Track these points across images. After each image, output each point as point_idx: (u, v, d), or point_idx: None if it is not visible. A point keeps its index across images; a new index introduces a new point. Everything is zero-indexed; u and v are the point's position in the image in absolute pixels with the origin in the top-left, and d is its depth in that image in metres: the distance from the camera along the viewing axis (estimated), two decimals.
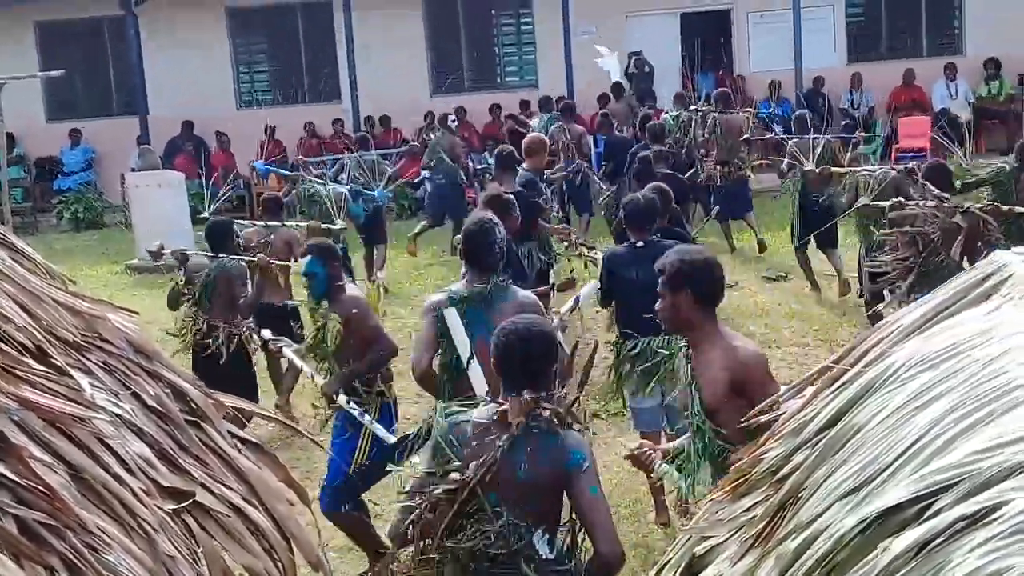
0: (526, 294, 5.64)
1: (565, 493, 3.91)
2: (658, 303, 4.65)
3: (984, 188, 9.08)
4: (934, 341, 2.58)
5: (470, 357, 4.43)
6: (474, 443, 3.90)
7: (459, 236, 6.09)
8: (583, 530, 3.93)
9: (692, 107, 14.31)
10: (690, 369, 4.59)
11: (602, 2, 19.74)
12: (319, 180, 11.81)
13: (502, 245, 5.59)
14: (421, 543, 3.96)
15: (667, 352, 6.56)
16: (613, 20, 19.97)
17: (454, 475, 3.85)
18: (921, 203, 7.86)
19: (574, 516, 3.95)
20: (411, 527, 3.96)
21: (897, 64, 19.49)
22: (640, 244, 6.69)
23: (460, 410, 4.07)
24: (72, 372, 2.91)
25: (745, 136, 13.53)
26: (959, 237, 7.38)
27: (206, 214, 9.29)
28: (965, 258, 7.30)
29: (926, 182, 8.11)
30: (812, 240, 11.29)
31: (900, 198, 8.19)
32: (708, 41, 20.32)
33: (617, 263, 6.77)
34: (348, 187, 12.24)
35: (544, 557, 3.86)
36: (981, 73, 19.17)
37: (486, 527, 3.81)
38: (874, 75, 19.28)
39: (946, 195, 7.88)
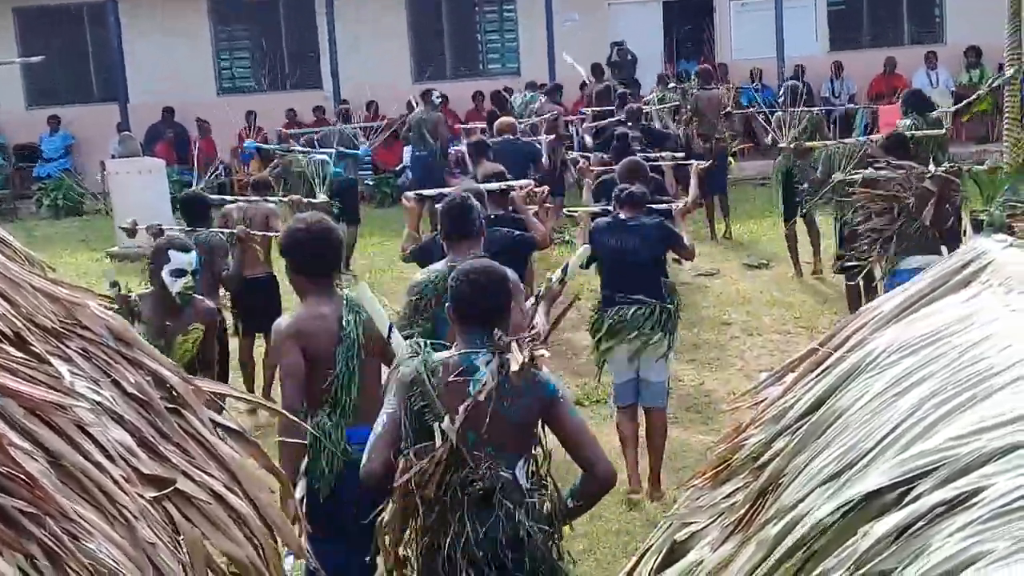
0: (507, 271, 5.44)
1: (545, 424, 4.00)
2: None
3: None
4: (915, 327, 2.59)
5: (390, 327, 4.35)
6: (445, 387, 3.92)
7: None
8: (573, 453, 4.02)
9: (672, 84, 14.51)
10: None
11: None
12: (304, 150, 11.77)
13: (481, 220, 5.61)
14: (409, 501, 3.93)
15: (645, 318, 6.72)
16: (596, 8, 19.97)
17: (446, 425, 3.84)
18: (889, 171, 7.98)
19: (542, 448, 4.04)
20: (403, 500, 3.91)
21: (878, 52, 19.54)
22: (622, 216, 7.01)
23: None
24: (51, 359, 2.89)
25: (727, 109, 13.67)
26: (931, 201, 7.51)
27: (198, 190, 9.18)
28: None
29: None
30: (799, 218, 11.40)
31: (871, 168, 8.35)
32: (690, 29, 20.35)
33: (601, 232, 7.08)
34: (330, 151, 12.20)
35: (524, 488, 3.94)
36: (961, 61, 19.23)
37: (472, 472, 3.83)
38: (855, 63, 19.33)
39: (911, 163, 8.03)
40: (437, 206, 7.42)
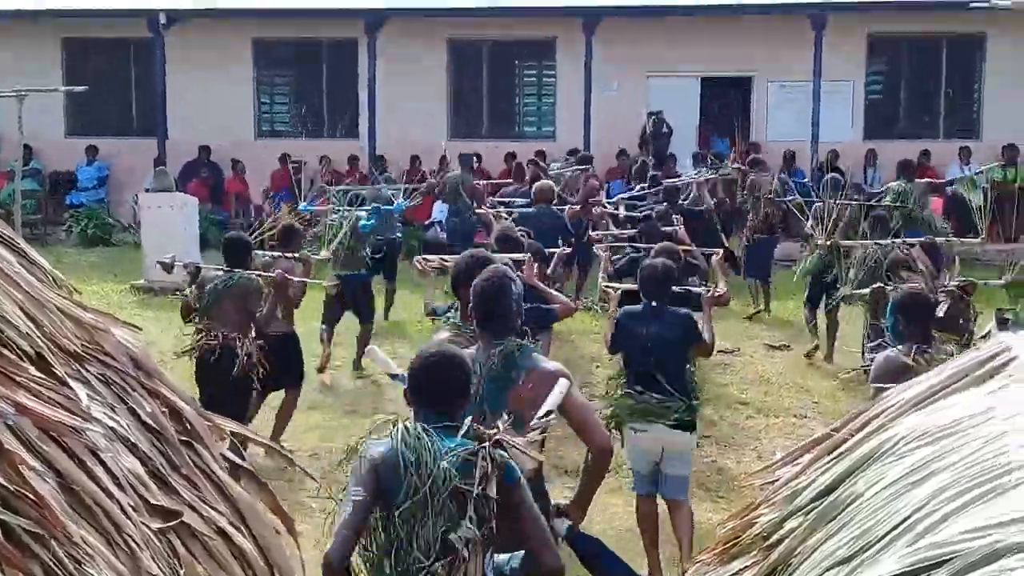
0: (549, 363, 4.75)
1: (501, 507, 3.79)
2: None
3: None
4: (935, 417, 2.57)
5: (402, 377, 4.27)
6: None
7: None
8: (524, 541, 3.87)
9: (733, 166, 14.73)
10: None
11: (624, 60, 19.90)
12: (343, 208, 11.85)
13: (520, 303, 4.76)
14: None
15: (665, 409, 6.65)
16: (635, 79, 20.13)
17: (455, 537, 3.76)
18: (908, 284, 8.04)
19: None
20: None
21: (912, 144, 19.59)
22: (653, 304, 6.95)
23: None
24: (70, 382, 2.91)
25: (770, 196, 13.80)
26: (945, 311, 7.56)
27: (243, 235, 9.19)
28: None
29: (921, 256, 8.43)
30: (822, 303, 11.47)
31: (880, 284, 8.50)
32: (727, 106, 20.47)
33: (630, 318, 7.05)
34: (368, 208, 12.34)
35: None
36: (997, 158, 19.26)
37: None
38: (889, 153, 19.37)
39: (935, 270, 8.10)
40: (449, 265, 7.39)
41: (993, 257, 15.62)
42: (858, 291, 8.85)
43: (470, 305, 4.88)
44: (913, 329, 6.00)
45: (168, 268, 8.60)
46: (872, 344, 8.29)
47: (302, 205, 14.49)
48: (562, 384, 4.38)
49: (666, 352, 6.84)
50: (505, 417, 4.01)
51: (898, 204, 12.26)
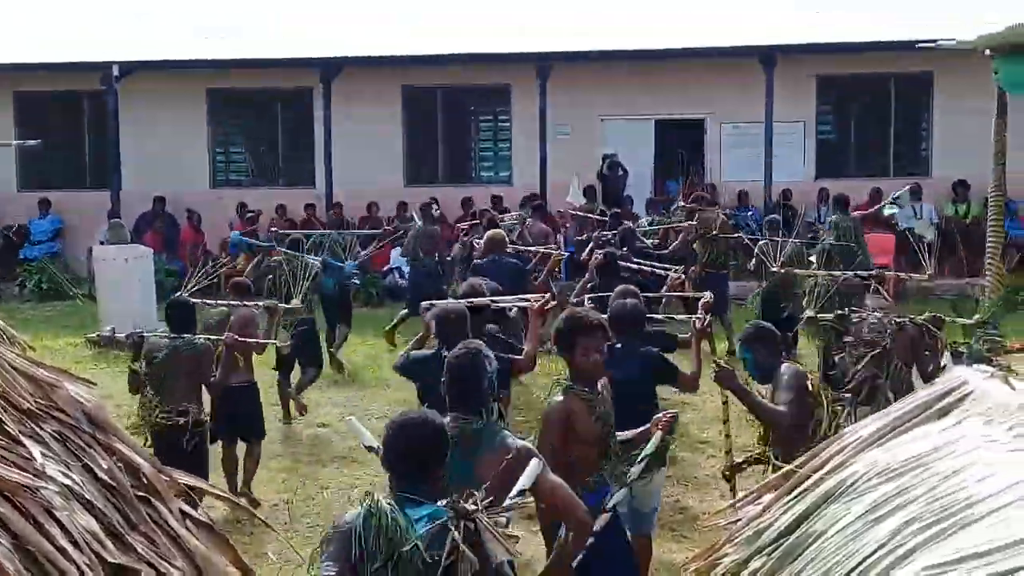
0: (516, 440, 4.71)
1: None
2: None
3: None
4: (894, 453, 2.59)
5: (376, 448, 4.23)
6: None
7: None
8: None
9: (677, 206, 14.91)
10: None
11: (579, 104, 20.06)
12: (293, 253, 11.73)
13: (493, 379, 4.81)
14: None
15: (636, 453, 6.60)
16: (589, 122, 20.29)
17: None
18: (866, 313, 8.08)
19: None
20: None
21: (864, 182, 19.86)
22: (619, 345, 6.82)
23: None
24: (24, 440, 2.86)
25: (713, 233, 13.88)
26: (907, 344, 7.60)
27: (185, 295, 8.95)
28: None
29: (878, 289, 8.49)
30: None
31: (846, 309, 8.47)
32: (681, 149, 20.69)
33: None
34: (320, 258, 12.27)
35: None
36: (947, 195, 19.55)
37: None
38: (841, 192, 19.62)
39: (891, 303, 8.18)
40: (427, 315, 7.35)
41: (946, 291, 15.83)
42: (822, 316, 8.83)
43: (443, 381, 4.85)
44: (767, 357, 6.41)
45: (110, 341, 8.25)
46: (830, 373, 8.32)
47: (234, 234, 14.45)
48: (534, 464, 4.27)
49: (636, 391, 6.80)
50: (478, 494, 3.91)
51: (839, 240, 12.49)
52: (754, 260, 11.68)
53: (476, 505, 3.74)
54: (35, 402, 3.14)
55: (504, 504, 4.02)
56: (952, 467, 2.36)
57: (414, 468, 3.89)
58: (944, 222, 18.99)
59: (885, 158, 20.69)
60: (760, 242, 11.93)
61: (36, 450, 2.93)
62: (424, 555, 3.63)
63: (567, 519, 4.56)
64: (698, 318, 7.78)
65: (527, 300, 7.76)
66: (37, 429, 3.05)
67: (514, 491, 4.10)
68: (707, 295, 9.10)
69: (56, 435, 3.11)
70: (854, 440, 2.87)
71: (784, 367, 6.35)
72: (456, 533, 3.65)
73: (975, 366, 3.06)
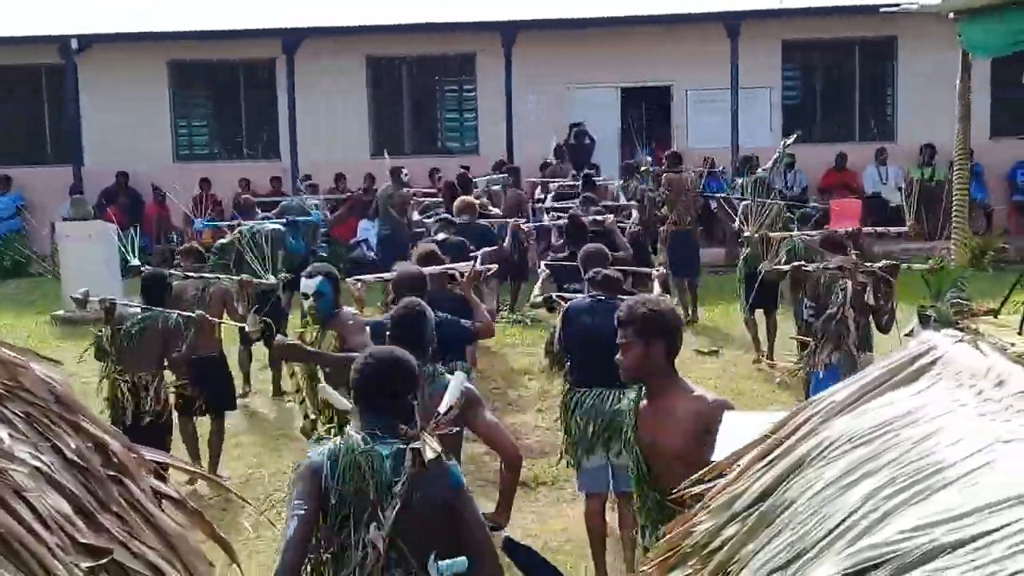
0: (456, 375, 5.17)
1: (446, 515, 3.90)
2: (620, 353, 4.70)
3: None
4: (865, 418, 2.60)
5: (347, 411, 4.44)
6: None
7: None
8: (465, 549, 3.93)
9: (643, 168, 14.92)
10: (634, 424, 4.65)
11: (544, 72, 20.00)
12: (254, 223, 11.52)
13: (433, 329, 5.50)
14: None
15: (617, 407, 6.66)
16: (555, 90, 20.24)
17: (373, 535, 3.77)
18: (821, 266, 8.17)
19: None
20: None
21: (830, 147, 19.93)
22: (601, 299, 6.98)
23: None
24: None
25: (693, 193, 13.97)
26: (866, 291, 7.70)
27: (135, 262, 9.01)
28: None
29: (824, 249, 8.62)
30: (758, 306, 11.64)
31: (802, 261, 8.69)
32: (647, 115, 20.67)
33: (577, 311, 7.06)
34: (283, 221, 12.06)
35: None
36: (915, 158, 19.64)
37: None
38: (807, 157, 19.70)
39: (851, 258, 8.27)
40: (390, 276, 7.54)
41: (914, 255, 15.93)
42: (778, 266, 8.90)
43: (387, 332, 5.49)
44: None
45: (82, 304, 8.21)
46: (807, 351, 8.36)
47: (198, 222, 14.30)
48: (457, 377, 4.55)
49: (612, 342, 6.82)
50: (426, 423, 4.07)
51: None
52: (736, 223, 11.68)
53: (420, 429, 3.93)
54: (1, 383, 3.10)
55: (435, 419, 4.20)
56: (923, 432, 2.37)
57: (385, 400, 3.98)
58: (909, 185, 19.11)
59: (851, 122, 20.77)
60: (743, 203, 11.91)
61: (3, 431, 2.90)
62: (390, 481, 3.78)
63: (502, 452, 5.31)
64: (657, 273, 8.06)
65: (455, 268, 8.33)
66: (3, 410, 3.01)
67: (442, 406, 4.31)
68: (660, 269, 9.29)
69: (23, 415, 3.07)
70: (825, 406, 2.88)
71: None
72: (408, 454, 3.80)
73: (943, 330, 3.08)
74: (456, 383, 4.44)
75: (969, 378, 2.58)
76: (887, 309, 7.85)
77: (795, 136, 14.02)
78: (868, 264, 8.04)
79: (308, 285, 6.92)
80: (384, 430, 3.92)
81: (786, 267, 8.71)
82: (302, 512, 3.77)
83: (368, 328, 6.82)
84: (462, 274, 8.21)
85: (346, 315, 6.99)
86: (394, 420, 3.94)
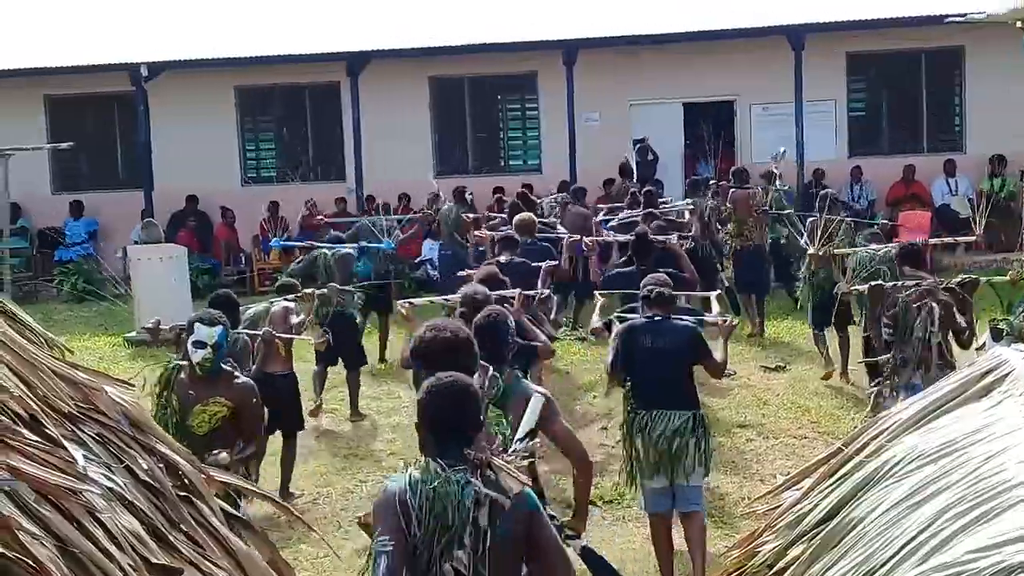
0: (537, 388, 5.49)
1: (525, 540, 3.84)
2: None
3: None
4: (933, 436, 2.57)
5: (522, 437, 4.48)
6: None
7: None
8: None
9: (711, 182, 14.97)
10: None
11: (606, 90, 19.99)
12: (330, 246, 11.78)
13: (514, 336, 5.62)
14: None
15: (678, 427, 6.68)
16: (617, 108, 20.22)
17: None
18: (899, 283, 8.01)
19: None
20: None
21: (897, 160, 19.67)
22: (657, 317, 7.05)
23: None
24: (66, 443, 2.89)
25: (761, 209, 13.90)
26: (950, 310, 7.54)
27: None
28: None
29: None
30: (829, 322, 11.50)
31: (880, 281, 8.41)
32: (711, 131, 20.58)
33: (632, 332, 7.11)
34: (355, 246, 12.32)
35: None
36: (983, 169, 19.32)
37: None
38: (874, 170, 19.46)
39: (923, 274, 8.13)
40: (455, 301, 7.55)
41: (984, 266, 15.66)
42: (856, 286, 8.74)
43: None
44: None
45: (154, 333, 8.32)
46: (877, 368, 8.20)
47: (274, 241, 14.52)
48: (536, 401, 4.66)
49: (670, 364, 6.87)
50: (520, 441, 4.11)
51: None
52: (803, 240, 11.56)
53: (490, 452, 3.90)
54: (75, 405, 3.17)
55: (514, 448, 4.25)
56: (992, 450, 2.33)
57: (454, 431, 3.91)
58: (978, 197, 18.80)
59: (918, 134, 20.48)
60: (810, 219, 11.79)
61: (78, 453, 2.95)
62: (474, 519, 3.71)
63: (569, 454, 5.48)
64: (721, 317, 7.85)
65: (503, 294, 8.11)
66: (78, 432, 3.07)
67: (520, 432, 4.45)
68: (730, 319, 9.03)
69: (97, 437, 3.13)
70: (893, 423, 2.84)
71: None
72: (477, 483, 3.75)
73: (1016, 345, 3.02)
74: (534, 405, 4.51)
75: None
76: (968, 326, 7.70)
77: (783, 151, 14.06)
78: (947, 281, 7.90)
79: (208, 334, 6.32)
80: (455, 458, 3.86)
81: (863, 287, 8.51)
82: (390, 548, 3.69)
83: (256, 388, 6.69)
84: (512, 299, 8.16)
85: (247, 387, 6.57)
86: (461, 446, 3.90)
